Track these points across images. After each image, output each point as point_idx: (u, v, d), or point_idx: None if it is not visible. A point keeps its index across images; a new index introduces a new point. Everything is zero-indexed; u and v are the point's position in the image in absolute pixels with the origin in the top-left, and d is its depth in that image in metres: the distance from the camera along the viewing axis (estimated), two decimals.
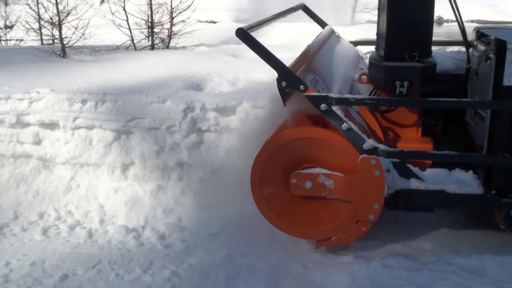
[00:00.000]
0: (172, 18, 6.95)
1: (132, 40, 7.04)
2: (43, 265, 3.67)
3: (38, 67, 5.64)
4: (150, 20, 7.02)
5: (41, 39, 10.08)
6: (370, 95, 4.21)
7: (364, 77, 4.25)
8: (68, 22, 6.45)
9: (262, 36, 9.20)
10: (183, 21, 6.84)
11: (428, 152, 3.62)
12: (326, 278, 3.31)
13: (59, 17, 6.36)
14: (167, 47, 7.05)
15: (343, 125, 3.31)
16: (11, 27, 11.46)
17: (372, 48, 5.22)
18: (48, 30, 6.45)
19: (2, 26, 11.79)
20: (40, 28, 10.15)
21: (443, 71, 4.19)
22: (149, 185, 4.40)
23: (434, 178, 3.50)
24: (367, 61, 4.98)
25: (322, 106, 3.30)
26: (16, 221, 4.28)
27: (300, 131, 3.41)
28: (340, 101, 3.32)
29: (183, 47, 6.94)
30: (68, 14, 6.33)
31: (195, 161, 4.27)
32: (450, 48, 5.09)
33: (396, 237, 3.80)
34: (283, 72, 3.27)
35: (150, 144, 4.33)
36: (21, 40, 10.17)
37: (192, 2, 7.05)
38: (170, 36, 7.04)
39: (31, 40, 10.67)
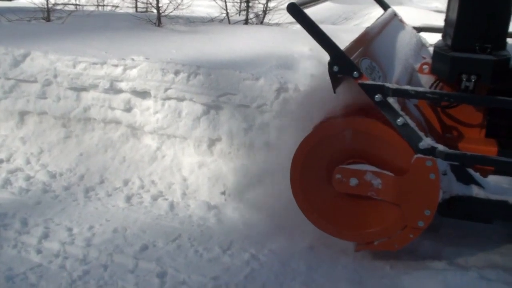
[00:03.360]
0: None
1: (227, 13, 6.94)
2: (124, 233, 3.67)
3: (134, 34, 5.67)
4: None
5: (136, 7, 10.28)
6: (431, 87, 3.80)
7: (425, 66, 3.84)
8: None
9: (361, 18, 8.89)
10: None
11: (495, 158, 3.13)
12: (415, 283, 3.08)
13: None
14: (261, 23, 6.90)
15: (398, 120, 2.95)
16: None
17: (437, 36, 4.77)
18: None
19: None
20: None
21: None
22: (234, 163, 4.30)
23: (496, 187, 3.11)
24: (430, 49, 4.53)
25: (376, 96, 2.95)
26: (101, 186, 4.33)
27: (349, 122, 3.11)
28: (398, 93, 2.97)
29: (278, 24, 6.77)
30: None
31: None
32: None
33: (495, 247, 3.49)
34: (336, 56, 2.93)
35: (239, 121, 4.22)
36: (117, 6, 10.37)
37: None
38: (265, 12, 6.87)
39: (126, 7, 10.93)
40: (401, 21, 4.71)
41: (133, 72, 4.40)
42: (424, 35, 4.75)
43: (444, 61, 3.41)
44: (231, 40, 5.52)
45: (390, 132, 3.03)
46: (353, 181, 3.11)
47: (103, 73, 4.47)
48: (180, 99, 4.34)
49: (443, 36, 3.82)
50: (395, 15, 4.66)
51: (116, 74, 4.45)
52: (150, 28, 6.10)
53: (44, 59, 4.68)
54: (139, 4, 10.08)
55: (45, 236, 3.62)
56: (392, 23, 4.31)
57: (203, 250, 3.50)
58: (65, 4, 7.48)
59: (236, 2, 6.96)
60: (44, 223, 3.76)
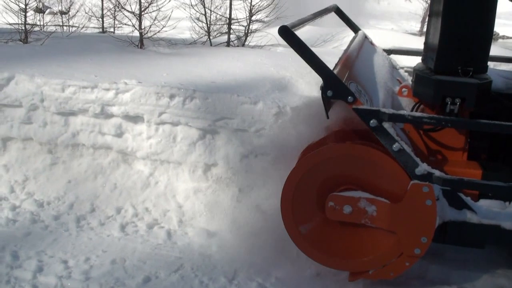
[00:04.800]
0: (251, 15, 6.76)
1: (209, 35, 6.88)
2: (123, 264, 3.53)
3: (119, 57, 5.54)
4: (228, 16, 6.84)
5: (102, 27, 10.16)
6: (412, 110, 3.77)
7: (405, 89, 3.85)
8: (148, 13, 6.34)
9: (339, 40, 8.96)
10: (261, 21, 6.62)
11: (495, 184, 3.00)
12: None
13: (140, 8, 6.26)
14: (243, 45, 6.87)
15: (394, 145, 2.93)
16: (66, 13, 11.60)
17: (406, 58, 4.80)
18: (129, 19, 6.34)
19: (57, 11, 11.98)
20: (102, 17, 10.26)
21: (494, 90, 3.63)
22: (231, 189, 4.20)
23: (487, 211, 3.09)
24: (401, 71, 4.63)
25: (372, 121, 2.92)
26: (93, 214, 4.17)
27: (342, 147, 3.05)
28: (394, 118, 2.94)
29: (260, 46, 6.74)
30: (149, 4, 6.22)
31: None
32: (500, 66, 4.64)
33: (501, 270, 3.49)
34: (330, 80, 2.90)
35: (236, 146, 4.13)
36: (83, 27, 10.22)
37: (273, 1, 6.84)
38: (246, 34, 6.85)
39: (91, 27, 10.79)
40: (371, 43, 4.73)
41: (126, 96, 4.27)
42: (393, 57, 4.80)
43: (427, 84, 3.41)
44: (220, 62, 5.46)
45: (385, 158, 2.98)
46: (347, 209, 3.04)
47: (94, 97, 4.33)
48: (175, 124, 4.23)
49: (423, 60, 3.84)
50: (365, 37, 4.68)
51: (107, 98, 4.31)
52: (133, 51, 5.98)
53: (30, 82, 4.51)
54: (106, 25, 10.02)
55: (39, 269, 3.45)
56: (365, 45, 4.32)
57: (208, 280, 3.40)
58: (32, 25, 7.27)
59: (218, 25, 6.91)
60: (37, 256, 3.59)
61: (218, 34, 6.93)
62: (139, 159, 4.42)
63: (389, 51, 4.79)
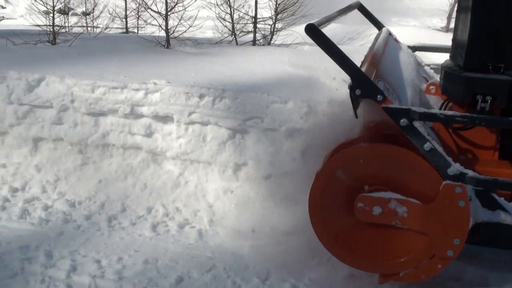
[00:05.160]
0: (277, 13, 6.72)
1: (234, 34, 6.87)
2: (156, 264, 3.53)
3: (147, 57, 5.56)
4: (254, 15, 6.82)
5: (126, 28, 10.21)
6: (441, 108, 3.66)
7: (432, 87, 3.77)
8: (175, 13, 6.36)
9: (365, 38, 8.87)
10: (292, 14, 6.54)
11: None
12: None
13: (167, 8, 6.28)
14: (269, 44, 6.84)
15: (425, 145, 2.84)
16: (88, 14, 11.68)
17: (431, 55, 4.69)
18: (155, 19, 6.35)
19: (81, 13, 12.06)
20: (126, 17, 10.31)
21: None
22: (262, 188, 4.18)
23: None
24: (426, 69, 4.53)
25: (402, 121, 2.84)
26: (124, 214, 4.18)
27: (372, 147, 2.99)
28: (426, 116, 2.85)
29: (286, 45, 6.70)
30: (176, 4, 6.23)
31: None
32: None
33: None
34: (358, 78, 2.82)
35: (266, 145, 4.11)
36: (107, 28, 10.29)
37: None
38: (272, 33, 6.82)
39: (115, 28, 10.85)
40: (396, 40, 4.65)
41: (155, 96, 4.28)
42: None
43: (457, 81, 3.31)
44: (247, 61, 5.44)
45: (416, 157, 2.91)
46: (377, 210, 2.97)
47: (124, 97, 4.35)
48: (205, 123, 4.23)
49: (451, 56, 3.74)
50: (390, 34, 4.60)
51: (137, 99, 4.33)
52: (160, 50, 6.00)
53: (60, 84, 4.55)
54: (130, 25, 10.07)
55: (73, 269, 3.46)
56: (390, 42, 4.24)
57: (240, 281, 3.38)
58: (60, 27, 7.33)
59: (241, 24, 6.88)
60: (70, 255, 3.61)
61: (242, 34, 6.90)
62: (169, 159, 4.43)
63: (414, 48, 4.69)
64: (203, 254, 3.67)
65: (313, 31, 2.84)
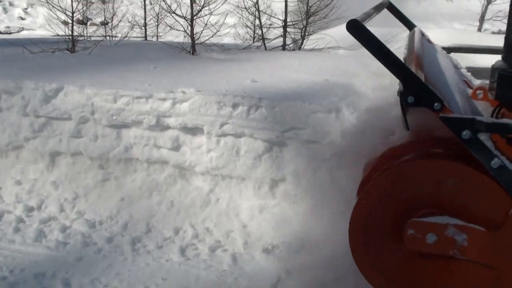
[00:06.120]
0: (308, 17, 6.33)
1: (263, 39, 6.49)
2: None
3: (172, 64, 5.20)
4: (284, 18, 6.43)
5: (145, 35, 9.93)
6: (492, 116, 3.27)
7: (480, 91, 3.36)
8: (200, 18, 6.00)
9: (401, 40, 8.42)
10: (324, 17, 6.15)
11: None
12: None
13: (192, 12, 5.93)
14: (299, 49, 6.45)
15: (493, 161, 2.39)
16: (107, 23, 11.46)
17: (465, 56, 4.31)
18: (181, 24, 6.00)
19: (99, 23, 11.85)
20: (145, 25, 10.03)
21: None
22: (301, 206, 3.76)
23: None
24: (463, 71, 4.12)
25: (464, 133, 2.39)
26: (149, 236, 3.80)
27: (426, 164, 2.54)
28: (495, 128, 2.41)
29: (318, 49, 6.30)
30: (202, 8, 5.88)
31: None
32: None
33: None
34: (412, 83, 2.40)
35: (307, 159, 3.69)
36: (126, 36, 10.02)
37: (332, 1, 6.40)
38: (303, 37, 6.42)
39: (134, 37, 10.59)
40: (429, 41, 4.21)
41: (184, 106, 3.91)
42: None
43: None
44: (280, 67, 5.05)
45: (480, 176, 2.45)
46: (431, 238, 2.50)
47: (149, 108, 3.98)
48: (238, 136, 3.85)
49: (504, 57, 3.33)
50: (423, 34, 4.16)
51: (163, 109, 3.96)
52: (186, 57, 5.64)
53: (80, 94, 4.19)
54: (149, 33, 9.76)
55: None
56: (425, 43, 3.81)
57: None
58: (79, 35, 7.03)
59: (273, 28, 6.50)
60: (91, 285, 3.25)
61: (270, 38, 6.52)
62: (198, 174, 4.05)
63: (449, 49, 4.26)
64: (239, 282, 3.26)
65: (357, 28, 2.42)
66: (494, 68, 3.15)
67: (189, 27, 5.99)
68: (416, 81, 2.42)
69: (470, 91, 3.47)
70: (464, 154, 2.49)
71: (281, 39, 6.51)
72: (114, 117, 4.10)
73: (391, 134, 3.11)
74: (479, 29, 12.82)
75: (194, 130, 3.98)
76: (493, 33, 12.93)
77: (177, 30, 6.23)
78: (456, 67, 4.14)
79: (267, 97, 3.80)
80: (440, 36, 7.12)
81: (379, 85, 4.36)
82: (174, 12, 6.02)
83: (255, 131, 3.78)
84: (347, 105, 3.72)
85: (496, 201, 2.45)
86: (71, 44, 6.16)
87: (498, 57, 3.23)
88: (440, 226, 2.50)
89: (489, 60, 4.97)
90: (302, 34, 6.49)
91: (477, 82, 3.82)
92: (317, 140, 3.66)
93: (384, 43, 2.55)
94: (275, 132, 3.73)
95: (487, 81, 3.48)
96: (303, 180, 3.74)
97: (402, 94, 2.42)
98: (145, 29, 9.84)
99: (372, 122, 3.50)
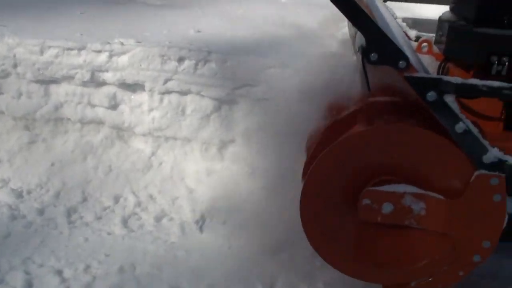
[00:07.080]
0: None
1: None
2: (134, 273, 2.86)
3: (107, 11, 4.70)
4: None
5: None
6: (438, 71, 3.12)
7: (425, 45, 3.25)
8: None
9: None
10: None
11: None
12: None
13: None
14: None
15: (457, 125, 2.22)
16: None
17: (402, 5, 4.14)
18: None
19: None
20: None
21: None
22: (252, 170, 3.52)
23: None
24: (398, 21, 3.89)
25: (429, 94, 2.19)
26: (85, 205, 3.46)
27: (383, 129, 2.33)
28: (463, 89, 2.23)
29: None
30: None
31: None
32: None
33: None
34: (376, 39, 2.18)
35: (259, 118, 3.44)
36: None
37: None
38: None
39: None
40: None
41: (122, 60, 3.54)
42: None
43: (465, 39, 2.77)
44: (224, 16, 4.67)
45: (442, 141, 2.26)
46: (387, 207, 2.31)
47: (82, 61, 3.59)
48: (184, 93, 3.55)
49: (452, 8, 3.16)
50: None
51: (98, 63, 3.58)
52: (116, 1, 5.12)
53: None
54: None
55: (28, 285, 2.75)
56: None
57: None
58: None
59: None
60: (23, 265, 2.88)
61: None
62: (138, 135, 3.75)
63: None
64: (191, 257, 3.01)
65: None
66: (442, 20, 2.97)
67: None
68: (382, 36, 2.17)
69: (414, 44, 3.30)
70: (424, 117, 2.29)
71: None
72: (40, 71, 3.70)
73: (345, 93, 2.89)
74: None
75: (134, 87, 3.65)
76: None
77: None
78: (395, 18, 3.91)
79: (217, 51, 3.46)
80: None
81: (332, 35, 4.12)
82: None
83: (203, 88, 3.48)
84: (302, 60, 3.46)
85: (457, 168, 2.29)
86: None
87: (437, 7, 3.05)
88: (397, 195, 2.29)
89: (425, 11, 4.80)
90: None
91: (412, 33, 3.62)
92: (270, 98, 3.39)
93: None
94: (225, 90, 3.45)
95: (424, 34, 3.30)
96: (253, 141, 3.49)
97: (365, 51, 2.18)
98: None
99: (326, 81, 3.28)
